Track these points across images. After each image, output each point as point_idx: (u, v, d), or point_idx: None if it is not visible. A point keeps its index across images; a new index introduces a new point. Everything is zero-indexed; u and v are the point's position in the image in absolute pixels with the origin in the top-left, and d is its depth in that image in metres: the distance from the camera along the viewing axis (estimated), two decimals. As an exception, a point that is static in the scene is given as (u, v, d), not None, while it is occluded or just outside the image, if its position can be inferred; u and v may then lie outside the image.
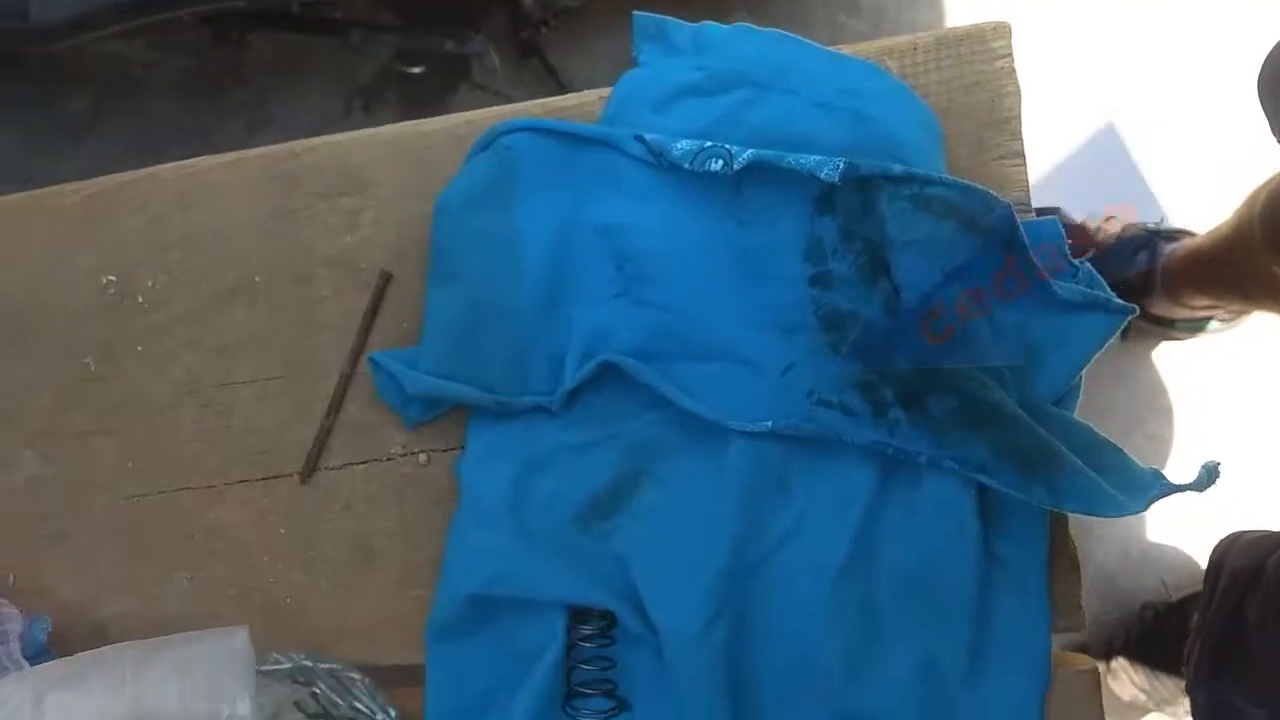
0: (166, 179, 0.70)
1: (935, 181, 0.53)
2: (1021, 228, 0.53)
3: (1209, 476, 0.51)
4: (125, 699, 0.46)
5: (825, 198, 0.56)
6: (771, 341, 0.59)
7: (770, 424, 0.57)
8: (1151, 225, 1.24)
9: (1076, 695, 0.55)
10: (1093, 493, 0.51)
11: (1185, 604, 1.19)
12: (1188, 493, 0.51)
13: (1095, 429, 0.54)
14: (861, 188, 0.55)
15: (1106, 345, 0.54)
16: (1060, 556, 0.56)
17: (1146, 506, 0.50)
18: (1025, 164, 0.59)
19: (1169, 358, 1.31)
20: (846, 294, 0.57)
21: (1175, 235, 1.22)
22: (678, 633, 0.57)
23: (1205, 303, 1.20)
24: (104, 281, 0.69)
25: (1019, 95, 0.59)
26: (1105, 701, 0.57)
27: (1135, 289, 1.21)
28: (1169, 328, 1.25)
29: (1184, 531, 1.28)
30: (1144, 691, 1.19)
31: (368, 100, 1.50)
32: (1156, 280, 1.20)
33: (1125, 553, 1.29)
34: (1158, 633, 1.21)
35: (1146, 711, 1.22)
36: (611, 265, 0.60)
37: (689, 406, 0.58)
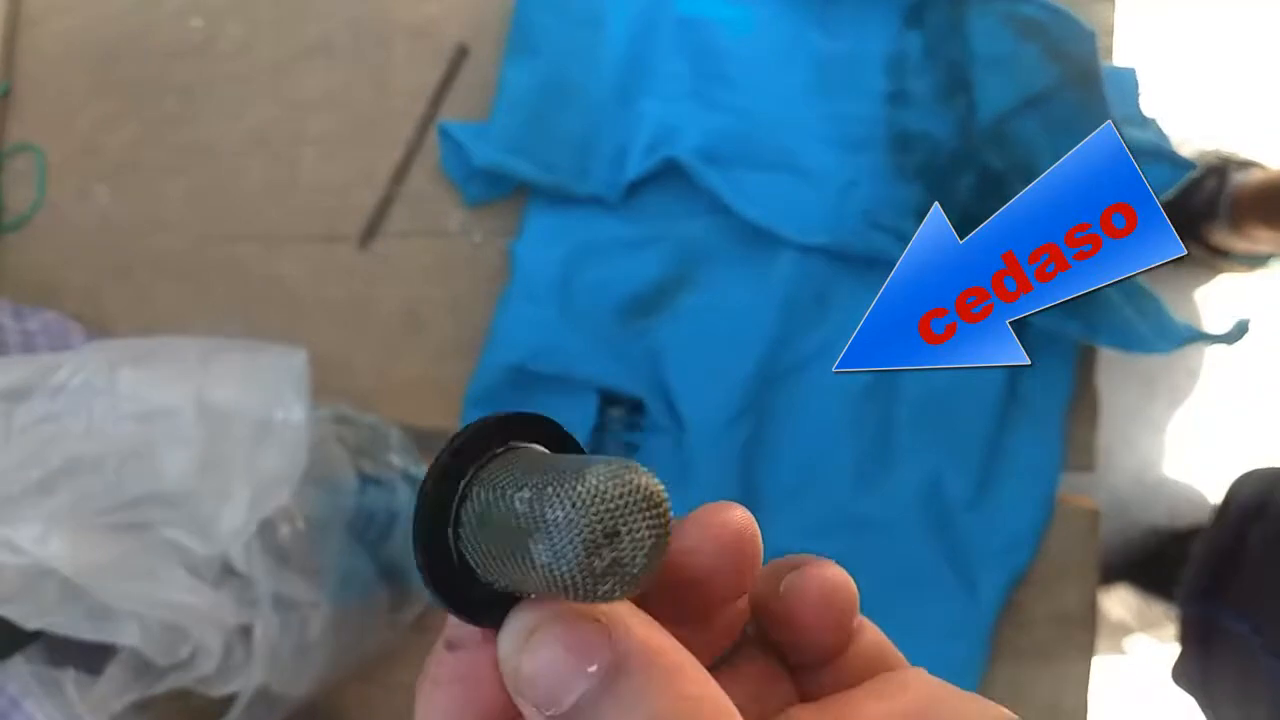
0: (261, -69, 0.71)
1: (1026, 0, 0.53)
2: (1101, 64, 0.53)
3: (1239, 331, 0.51)
4: (191, 385, 0.49)
5: (915, 11, 0.56)
6: (837, 157, 0.59)
7: (822, 238, 0.58)
8: (1225, 152, 1.21)
9: (1075, 532, 0.57)
10: (1127, 330, 0.52)
11: (1188, 535, 1.21)
12: (1218, 344, 0.52)
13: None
14: (953, 2, 0.54)
15: (1166, 196, 0.54)
16: (1081, 398, 0.58)
17: (1176, 349, 0.51)
18: (1114, 9, 0.58)
19: (1218, 290, 1.30)
20: (920, 116, 0.57)
21: (1248, 165, 1.20)
22: (702, 424, 0.59)
23: (1269, 236, 1.18)
24: (191, 25, 0.71)
25: (1120, -62, 0.58)
26: (1096, 619, 0.59)
27: (1199, 215, 1.19)
28: (1225, 259, 1.23)
29: (1204, 470, 1.29)
30: (1134, 613, 1.22)
31: None
32: (1221, 208, 1.18)
33: (1140, 480, 1.30)
34: (1157, 558, 1.23)
35: (1133, 631, 1.25)
36: (688, 61, 0.61)
37: (745, 213, 0.60)
